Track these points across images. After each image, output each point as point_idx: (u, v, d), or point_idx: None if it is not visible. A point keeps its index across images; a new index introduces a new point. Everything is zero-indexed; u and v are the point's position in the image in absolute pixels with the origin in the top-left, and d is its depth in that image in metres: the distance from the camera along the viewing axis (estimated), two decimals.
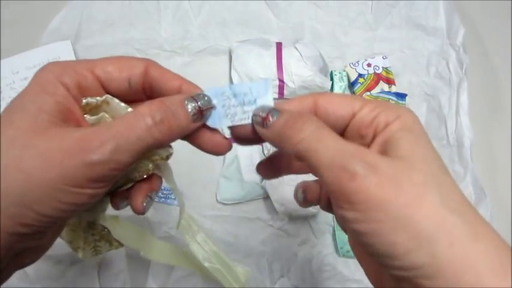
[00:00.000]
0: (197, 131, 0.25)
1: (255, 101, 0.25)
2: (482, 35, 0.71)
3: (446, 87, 0.65)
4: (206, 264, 0.33)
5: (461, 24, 0.67)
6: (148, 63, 0.25)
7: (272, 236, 0.58)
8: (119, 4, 0.69)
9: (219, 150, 0.25)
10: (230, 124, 0.25)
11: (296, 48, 0.63)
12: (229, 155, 0.61)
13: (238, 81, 0.63)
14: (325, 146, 0.20)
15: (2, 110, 0.21)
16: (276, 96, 0.63)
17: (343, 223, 0.21)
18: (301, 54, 0.62)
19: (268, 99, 0.25)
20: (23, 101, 0.21)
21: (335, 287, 0.56)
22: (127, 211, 0.28)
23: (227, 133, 0.26)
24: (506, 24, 0.71)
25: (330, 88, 0.64)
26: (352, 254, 0.56)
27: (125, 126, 0.21)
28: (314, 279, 0.56)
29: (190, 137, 0.25)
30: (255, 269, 0.56)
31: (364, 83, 0.64)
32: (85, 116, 0.24)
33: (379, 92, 0.64)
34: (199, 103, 0.23)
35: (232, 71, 0.63)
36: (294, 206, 0.55)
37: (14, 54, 0.63)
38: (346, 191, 0.19)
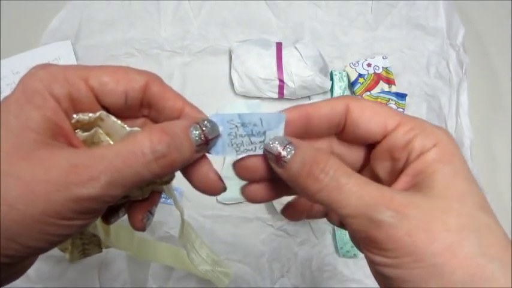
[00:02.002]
0: (192, 164, 0.22)
1: (264, 133, 0.23)
2: (482, 35, 0.71)
3: (446, 87, 0.65)
4: (200, 268, 0.33)
5: (461, 24, 0.67)
6: (150, 78, 0.22)
7: (272, 236, 0.58)
8: (119, 4, 0.69)
9: (210, 191, 0.23)
10: (235, 154, 0.23)
11: (296, 48, 0.63)
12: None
13: (238, 81, 0.63)
14: (347, 196, 0.19)
15: None
16: (277, 96, 0.63)
17: (371, 264, 0.20)
18: (301, 54, 0.62)
19: (278, 133, 0.23)
20: (6, 114, 0.19)
21: (335, 287, 0.56)
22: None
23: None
24: (506, 24, 0.71)
25: (330, 88, 0.64)
26: (352, 254, 0.56)
27: (120, 159, 0.18)
28: (314, 279, 0.56)
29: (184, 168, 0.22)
30: (255, 269, 0.56)
31: (364, 83, 0.64)
32: (76, 131, 0.21)
33: (379, 92, 0.64)
34: (205, 130, 0.21)
35: (232, 71, 0.63)
36: None
37: (14, 54, 0.64)
38: (374, 239, 0.18)
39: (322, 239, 0.58)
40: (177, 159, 0.20)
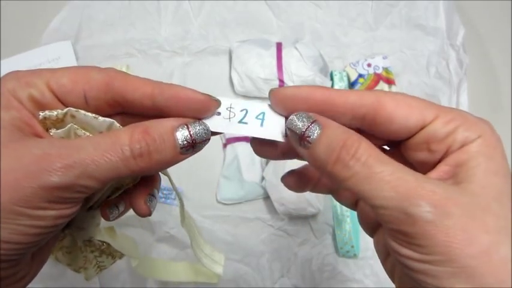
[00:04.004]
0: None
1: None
2: (482, 35, 0.71)
3: (446, 87, 0.65)
4: (201, 259, 0.33)
5: (461, 24, 0.67)
6: (110, 74, 0.21)
7: (272, 236, 0.58)
8: (119, 4, 0.69)
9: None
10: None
11: (296, 48, 0.63)
12: (229, 154, 0.61)
13: (238, 81, 0.63)
14: (380, 186, 0.17)
15: None
16: None
17: (395, 254, 0.18)
18: (301, 54, 0.62)
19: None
20: None
21: (335, 287, 0.56)
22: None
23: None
24: (506, 24, 0.71)
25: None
26: (352, 255, 0.56)
27: (98, 152, 0.18)
28: (314, 279, 0.56)
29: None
30: (255, 269, 0.56)
31: (364, 83, 0.64)
32: (50, 131, 0.21)
33: None
34: (193, 134, 0.20)
35: (232, 71, 0.63)
36: (294, 206, 0.55)
37: (14, 54, 0.63)
38: (407, 233, 0.17)
39: (322, 239, 0.58)
40: (157, 159, 0.19)
